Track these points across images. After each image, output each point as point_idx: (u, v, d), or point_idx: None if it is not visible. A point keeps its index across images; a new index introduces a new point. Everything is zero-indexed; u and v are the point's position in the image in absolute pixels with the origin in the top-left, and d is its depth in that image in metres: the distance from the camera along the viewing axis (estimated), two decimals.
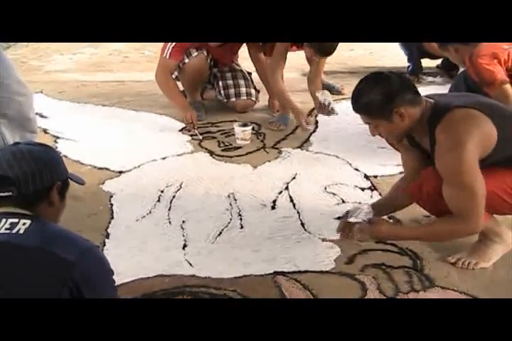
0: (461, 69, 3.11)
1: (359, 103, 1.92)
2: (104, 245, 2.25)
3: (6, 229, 1.31)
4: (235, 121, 3.41)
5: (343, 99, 3.69)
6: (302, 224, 2.42)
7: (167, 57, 3.38)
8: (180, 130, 3.45)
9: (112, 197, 2.67)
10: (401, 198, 2.19)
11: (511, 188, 1.94)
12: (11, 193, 1.36)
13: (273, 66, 3.35)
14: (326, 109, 3.34)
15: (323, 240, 2.30)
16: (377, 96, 1.87)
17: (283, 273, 2.08)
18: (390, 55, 4.74)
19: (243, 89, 3.64)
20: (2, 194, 1.36)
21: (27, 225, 1.33)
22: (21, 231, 1.31)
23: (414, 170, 2.13)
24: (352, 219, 2.08)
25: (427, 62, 4.31)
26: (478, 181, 1.84)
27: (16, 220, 1.33)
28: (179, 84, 3.62)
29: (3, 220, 1.33)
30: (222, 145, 3.24)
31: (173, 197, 2.65)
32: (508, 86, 2.70)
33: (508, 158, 1.93)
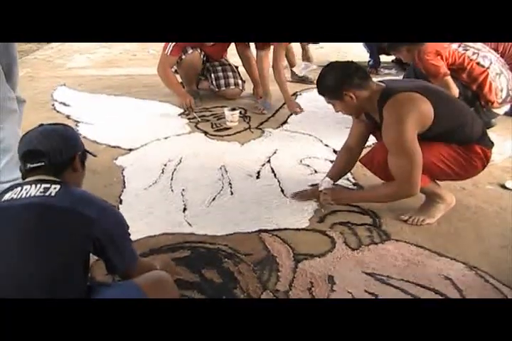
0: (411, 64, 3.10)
1: (319, 87, 2.03)
2: (118, 209, 2.22)
3: (41, 192, 1.32)
4: (225, 106, 3.36)
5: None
6: (282, 191, 2.41)
7: (168, 54, 3.33)
8: (180, 114, 3.41)
9: (123, 170, 2.63)
10: (347, 162, 2.30)
11: (446, 159, 1.99)
12: (43, 163, 1.37)
13: (277, 57, 3.29)
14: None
15: None
16: (330, 82, 1.97)
17: (266, 231, 2.08)
18: (355, 52, 4.71)
19: (231, 80, 3.60)
20: (36, 164, 1.38)
21: (57, 189, 1.33)
22: (53, 194, 1.31)
23: (356, 137, 2.24)
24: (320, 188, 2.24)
25: (384, 58, 4.31)
26: (415, 151, 1.88)
27: (48, 185, 1.34)
28: (178, 76, 3.57)
29: (38, 185, 1.33)
30: (214, 126, 3.20)
31: (175, 169, 2.62)
32: (449, 78, 2.75)
33: (442, 133, 1.96)
